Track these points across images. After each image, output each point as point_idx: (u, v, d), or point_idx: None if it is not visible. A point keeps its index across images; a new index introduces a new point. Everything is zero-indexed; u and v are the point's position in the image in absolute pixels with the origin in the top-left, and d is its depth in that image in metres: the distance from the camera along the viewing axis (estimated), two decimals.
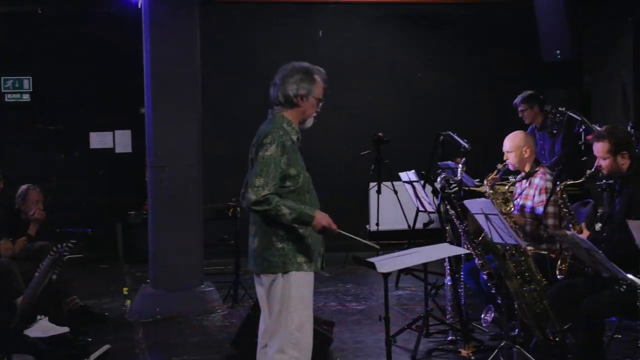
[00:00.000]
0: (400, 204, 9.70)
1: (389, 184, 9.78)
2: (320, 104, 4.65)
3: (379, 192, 9.90)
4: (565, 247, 5.39)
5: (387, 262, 4.73)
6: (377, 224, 10.21)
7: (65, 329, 6.84)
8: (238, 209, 8.16)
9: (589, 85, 11.63)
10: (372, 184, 10.47)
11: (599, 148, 5.43)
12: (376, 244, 4.51)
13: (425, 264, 7.01)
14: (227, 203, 8.41)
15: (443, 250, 5.18)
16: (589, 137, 5.68)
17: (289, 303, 4.48)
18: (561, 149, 8.37)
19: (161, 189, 7.92)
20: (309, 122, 4.67)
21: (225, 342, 6.60)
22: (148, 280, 8.28)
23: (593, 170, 5.56)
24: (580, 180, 5.71)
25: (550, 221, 6.22)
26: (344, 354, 6.40)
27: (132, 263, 10.52)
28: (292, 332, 4.48)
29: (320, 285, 8.95)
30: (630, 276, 4.40)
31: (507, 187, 6.19)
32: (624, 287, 4.60)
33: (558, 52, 10.20)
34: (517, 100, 8.72)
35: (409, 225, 9.34)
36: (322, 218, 4.45)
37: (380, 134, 9.73)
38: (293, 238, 4.48)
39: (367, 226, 11.20)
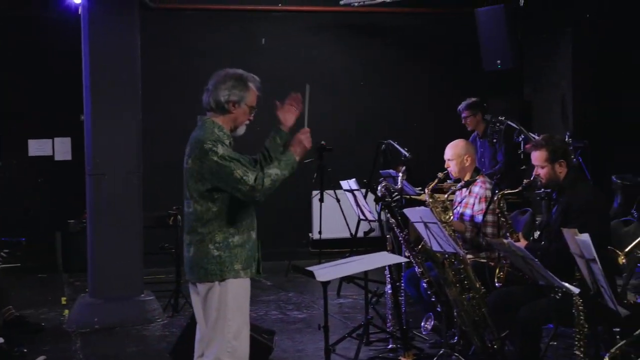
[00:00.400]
0: (343, 212, 9.70)
1: (331, 192, 9.77)
2: (254, 112, 4.63)
3: (321, 200, 9.88)
4: (503, 255, 5.43)
5: (326, 271, 4.73)
6: (320, 232, 10.19)
7: (0, 340, 6.70)
8: (179, 217, 8.09)
9: (529, 95, 11.77)
10: (314, 192, 10.46)
11: (537, 157, 5.49)
12: None
13: (366, 272, 7.05)
14: (167, 211, 8.34)
15: (382, 259, 5.20)
16: (528, 146, 5.74)
17: (226, 311, 4.43)
18: (503, 157, 8.46)
19: (100, 197, 7.82)
20: (241, 130, 4.64)
21: (165, 352, 6.54)
22: (87, 290, 8.16)
23: (531, 179, 5.62)
24: (518, 189, 5.76)
25: (489, 230, 6.28)
26: None
27: (71, 272, 10.35)
28: (229, 340, 4.44)
29: (261, 293, 8.94)
30: (565, 284, 4.44)
31: (446, 196, 6.22)
32: (560, 294, 4.65)
33: (499, 62, 10.35)
34: (461, 106, 8.82)
35: (351, 234, 9.35)
36: (296, 144, 4.55)
37: (322, 142, 9.70)
38: (230, 246, 4.45)
39: (310, 234, 11.19)
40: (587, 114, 10.63)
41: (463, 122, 8.80)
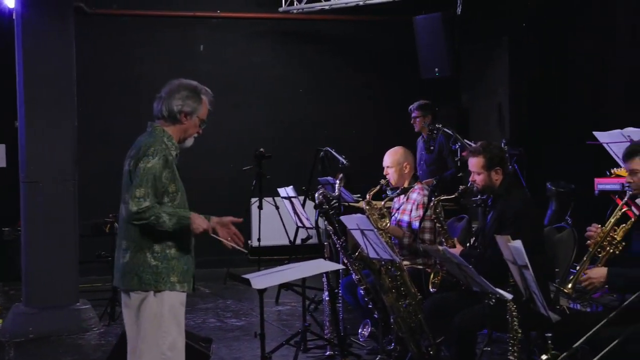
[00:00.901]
0: (282, 220, 9.69)
1: (270, 199, 9.76)
2: (203, 126, 4.60)
3: (260, 207, 9.85)
4: (439, 262, 5.48)
5: (262, 279, 4.73)
6: (259, 240, 10.16)
7: None
8: (115, 224, 7.99)
9: (467, 103, 11.91)
10: (253, 200, 10.42)
11: (474, 163, 5.55)
12: (243, 250, 4.43)
13: (303, 279, 7.05)
14: (104, 219, 8.24)
15: (318, 267, 5.20)
16: (465, 152, 5.80)
17: (161, 322, 4.36)
18: (453, 164, 8.45)
19: (35, 205, 7.70)
20: (189, 142, 4.61)
21: None
22: (22, 299, 8.01)
23: (468, 185, 5.68)
24: (454, 195, 5.81)
25: (426, 236, 6.33)
26: None
27: (5, 281, 10.15)
28: (164, 352, 4.37)
29: (200, 301, 8.89)
30: (498, 290, 4.49)
31: (383, 203, 6.26)
32: (493, 300, 4.70)
33: (436, 69, 10.46)
34: (413, 106, 8.84)
35: (290, 241, 9.35)
36: (199, 220, 4.39)
37: (261, 149, 9.69)
38: (168, 256, 4.38)
39: (249, 242, 11.13)
40: (523, 122, 10.81)
41: (412, 121, 8.81)
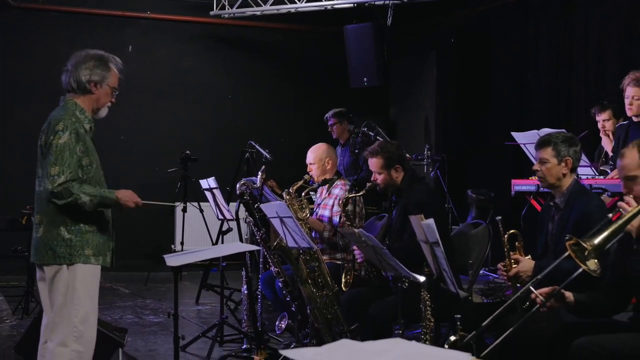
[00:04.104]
0: (206, 223, 9.63)
1: (195, 203, 9.68)
2: (115, 94, 4.57)
3: (184, 210, 9.76)
4: (354, 245, 5.50)
5: (177, 257, 4.69)
6: (182, 244, 10.07)
7: None
8: (32, 217, 7.81)
9: (395, 115, 12.04)
10: (178, 203, 10.32)
11: (374, 164, 5.66)
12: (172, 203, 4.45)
13: (224, 279, 7.02)
14: (21, 211, 8.07)
15: (235, 247, 5.18)
16: (365, 153, 5.89)
17: (74, 296, 4.32)
18: (363, 165, 8.55)
19: None
20: (103, 112, 4.58)
21: (10, 350, 6.29)
22: None
23: (371, 184, 5.76)
24: (361, 193, 5.93)
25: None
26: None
27: None
28: (76, 325, 4.32)
29: (118, 300, 8.78)
30: (412, 273, 4.53)
31: (303, 194, 6.28)
32: (406, 284, 4.73)
33: (365, 79, 10.56)
34: (329, 114, 8.98)
35: (213, 245, 9.25)
36: (126, 196, 4.40)
37: (187, 152, 9.60)
38: (82, 230, 4.35)
39: (172, 245, 11.05)
40: (448, 133, 10.97)
41: (329, 129, 8.93)
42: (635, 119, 6.43)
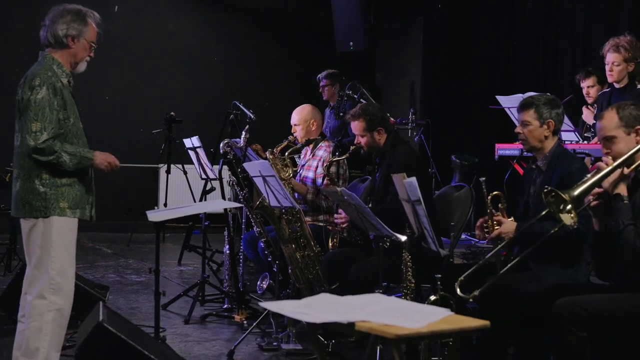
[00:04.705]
0: (190, 185, 9.62)
1: (179, 165, 9.66)
2: (94, 48, 4.54)
3: (168, 172, 9.74)
4: (335, 204, 5.51)
5: (159, 213, 4.69)
6: (165, 205, 10.06)
7: None
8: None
9: (380, 80, 12.02)
10: (161, 165, 10.30)
11: (356, 127, 5.67)
12: None
13: (206, 239, 7.02)
14: (4, 168, 8.02)
15: (217, 204, 5.17)
16: (347, 116, 5.89)
17: (50, 248, 4.33)
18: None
19: None
20: (82, 67, 4.58)
21: None
22: None
23: (354, 146, 5.76)
24: (345, 156, 5.92)
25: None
26: None
27: None
28: (53, 277, 4.33)
29: (100, 259, 8.80)
30: (394, 233, 4.54)
31: (287, 153, 6.27)
32: (388, 244, 4.74)
33: (351, 43, 10.52)
34: (321, 75, 8.97)
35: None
36: (102, 157, 4.42)
37: (172, 113, 9.56)
38: (57, 183, 4.36)
39: (156, 207, 11.02)
40: (433, 99, 10.96)
41: (320, 90, 8.90)
42: (616, 85, 6.44)
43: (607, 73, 6.43)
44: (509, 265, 4.04)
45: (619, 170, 3.75)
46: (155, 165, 10.54)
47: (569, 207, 3.56)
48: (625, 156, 3.77)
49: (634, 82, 6.39)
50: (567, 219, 3.57)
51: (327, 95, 8.94)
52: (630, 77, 6.39)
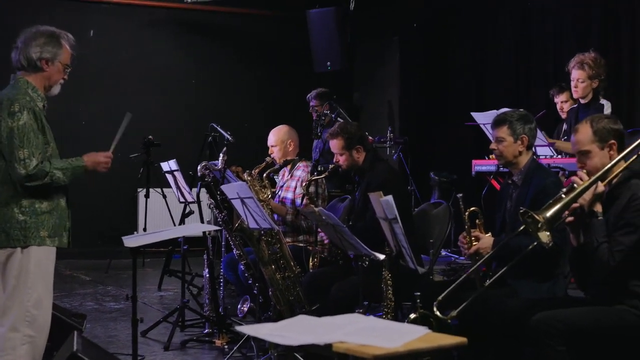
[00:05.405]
0: (169, 209, 9.56)
1: (158, 189, 9.61)
2: (68, 71, 4.51)
3: (147, 196, 9.68)
4: (314, 225, 5.50)
5: (135, 238, 4.65)
6: (145, 230, 9.99)
7: None
8: None
9: (358, 99, 12.03)
10: (140, 189, 10.24)
11: (334, 145, 5.68)
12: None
13: (185, 262, 6.96)
14: None
15: (194, 228, 5.14)
16: (326, 135, 5.90)
17: (27, 278, 4.26)
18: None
19: None
20: (56, 89, 4.53)
21: None
22: None
23: (333, 165, 5.76)
24: (324, 174, 5.92)
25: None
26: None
27: None
28: (28, 309, 4.26)
29: (79, 287, 8.71)
30: (372, 252, 4.53)
31: (265, 175, 6.25)
32: (367, 262, 4.73)
33: (329, 63, 10.53)
34: (311, 94, 8.67)
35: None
36: (93, 159, 4.45)
37: (150, 137, 9.50)
38: (37, 211, 4.30)
39: (135, 232, 10.94)
40: (411, 117, 10.99)
41: (310, 110, 8.67)
42: (582, 101, 6.53)
43: (573, 89, 6.55)
44: (486, 284, 4.02)
45: (593, 187, 3.76)
46: (134, 190, 10.49)
47: (545, 227, 3.56)
48: (599, 173, 3.77)
49: (598, 97, 6.48)
50: (544, 237, 3.57)
51: (317, 116, 8.79)
52: (595, 93, 6.49)
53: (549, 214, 3.57)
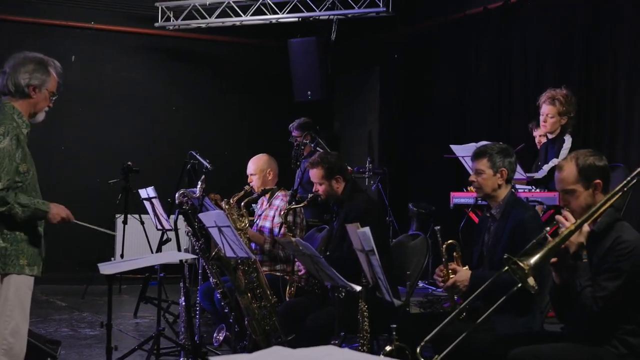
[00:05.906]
0: (147, 236, 9.51)
1: (136, 215, 9.56)
2: (54, 99, 4.49)
3: (125, 222, 9.62)
4: (292, 254, 5.49)
5: (111, 265, 4.62)
6: (122, 256, 9.93)
7: None
8: None
9: (338, 128, 12.07)
10: (118, 215, 10.18)
11: (314, 175, 5.69)
12: (112, 232, 4.41)
13: (162, 289, 6.91)
14: None
15: (170, 256, 5.13)
16: (307, 164, 5.91)
17: (5, 306, 4.23)
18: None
19: None
20: (40, 116, 4.51)
21: None
22: None
23: (312, 194, 5.77)
24: (302, 204, 5.92)
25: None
26: None
27: None
28: (5, 337, 4.23)
29: (54, 313, 8.61)
30: (349, 283, 4.52)
31: (242, 204, 6.24)
32: (343, 294, 4.72)
33: (309, 93, 10.57)
34: (293, 125, 8.59)
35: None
36: (58, 210, 4.34)
37: (129, 163, 9.46)
38: (18, 238, 4.27)
39: (112, 258, 10.87)
40: (391, 148, 11.02)
41: (291, 139, 8.60)
42: (550, 136, 6.57)
43: (541, 123, 6.59)
44: (452, 314, 3.94)
45: (578, 231, 3.66)
46: (112, 216, 10.44)
47: (530, 273, 3.48)
48: (584, 217, 3.67)
49: (565, 133, 6.52)
50: (531, 282, 3.49)
51: (296, 145, 8.73)
52: (563, 129, 6.53)
53: (533, 261, 3.47)
